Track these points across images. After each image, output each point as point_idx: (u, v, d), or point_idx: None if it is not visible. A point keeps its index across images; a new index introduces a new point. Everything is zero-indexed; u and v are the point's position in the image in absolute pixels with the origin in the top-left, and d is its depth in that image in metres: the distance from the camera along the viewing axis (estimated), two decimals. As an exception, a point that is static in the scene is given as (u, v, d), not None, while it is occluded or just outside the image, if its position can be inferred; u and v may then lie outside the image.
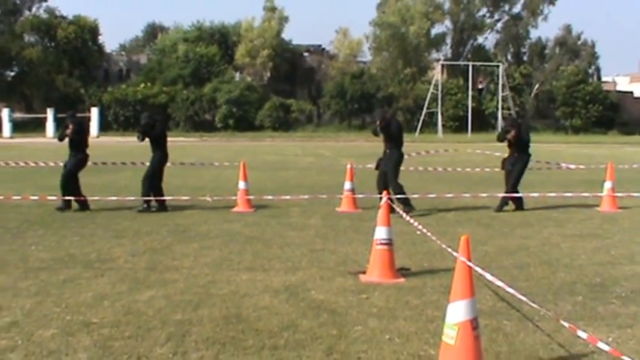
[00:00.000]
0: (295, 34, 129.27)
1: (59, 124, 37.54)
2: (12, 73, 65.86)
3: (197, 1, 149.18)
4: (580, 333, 3.60)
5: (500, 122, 56.18)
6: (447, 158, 25.21)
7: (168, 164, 11.48)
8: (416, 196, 10.97)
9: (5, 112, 53.91)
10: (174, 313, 5.13)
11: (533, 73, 65.61)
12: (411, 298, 5.59)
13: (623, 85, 79.93)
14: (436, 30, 67.83)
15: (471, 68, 59.78)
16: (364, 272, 6.36)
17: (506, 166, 11.39)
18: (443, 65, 63.37)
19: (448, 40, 69.43)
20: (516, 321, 4.97)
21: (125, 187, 13.09)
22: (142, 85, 62.48)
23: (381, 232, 6.23)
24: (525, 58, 69.13)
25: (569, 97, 61.67)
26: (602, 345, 3.45)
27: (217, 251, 7.56)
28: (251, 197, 11.24)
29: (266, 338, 4.55)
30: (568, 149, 35.82)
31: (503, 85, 59.80)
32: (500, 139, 11.57)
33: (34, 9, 68.90)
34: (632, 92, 72.06)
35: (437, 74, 61.22)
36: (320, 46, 72.85)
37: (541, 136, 47.80)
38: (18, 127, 54.92)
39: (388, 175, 10.58)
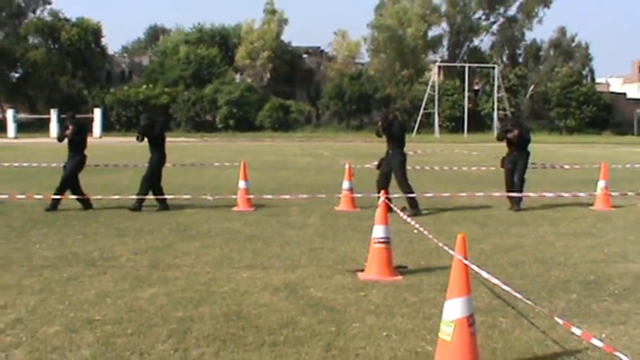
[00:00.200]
0: (295, 37, 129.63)
1: (62, 124, 37.87)
2: (16, 75, 66.50)
3: (198, 4, 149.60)
4: (574, 330, 3.63)
5: (495, 123, 56.55)
6: (443, 158, 25.27)
7: (168, 164, 11.55)
8: (412, 195, 11.04)
9: (10, 112, 54.25)
10: (176, 310, 5.17)
11: (528, 74, 65.96)
12: (408, 295, 5.64)
13: (616, 86, 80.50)
14: (433, 32, 68.48)
15: (467, 70, 60.04)
16: (362, 270, 6.41)
17: (505, 164, 11.50)
18: (439, 67, 63.57)
19: (445, 42, 69.91)
20: (512, 318, 5.02)
21: (127, 187, 13.15)
22: (144, 86, 62.74)
23: (378, 231, 6.29)
24: (520, 59, 69.57)
25: (563, 98, 62.02)
26: (595, 341, 3.47)
27: (218, 249, 7.62)
28: (251, 196, 11.31)
29: (266, 335, 4.59)
30: (562, 149, 35.94)
31: (498, 86, 60.08)
32: (500, 138, 11.68)
33: (38, 11, 69.62)
34: (625, 93, 72.54)
35: (434, 75, 61.44)
36: (319, 48, 73.09)
37: (536, 136, 47.56)
38: (22, 127, 55.39)
39: (397, 179, 10.64)
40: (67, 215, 10.31)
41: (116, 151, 28.60)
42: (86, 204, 10.94)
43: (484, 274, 4.20)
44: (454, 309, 3.81)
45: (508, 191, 11.28)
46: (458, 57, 68.17)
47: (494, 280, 4.18)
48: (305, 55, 71.57)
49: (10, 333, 4.63)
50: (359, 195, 11.23)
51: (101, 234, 8.64)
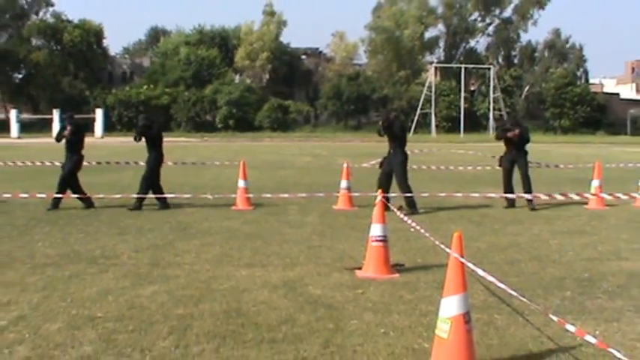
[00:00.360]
0: (293, 38, 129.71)
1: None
2: (19, 76, 66.78)
3: (198, 6, 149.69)
4: (568, 326, 3.65)
5: (491, 123, 56.89)
6: (439, 157, 25.30)
7: (169, 163, 11.60)
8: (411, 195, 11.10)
9: (13, 113, 54.38)
10: (176, 307, 5.22)
11: (524, 75, 66.19)
12: (405, 293, 5.69)
13: (609, 87, 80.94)
14: (429, 34, 68.76)
15: (463, 71, 60.25)
16: (360, 268, 6.46)
17: (503, 163, 11.59)
18: (436, 68, 63.76)
19: (441, 44, 70.23)
20: (507, 315, 5.07)
21: (128, 186, 13.18)
22: (145, 86, 62.90)
23: (376, 230, 6.35)
24: (516, 60, 69.86)
25: (558, 99, 62.27)
26: (589, 338, 3.51)
27: (218, 248, 7.67)
28: (250, 195, 11.36)
29: (265, 332, 4.63)
30: (557, 149, 36.00)
31: (494, 87, 60.30)
32: (500, 137, 11.78)
33: (41, 13, 69.78)
34: (618, 94, 72.88)
35: (430, 76, 61.67)
36: (317, 49, 73.19)
37: (531, 136, 47.94)
38: (25, 127, 55.59)
39: (397, 180, 10.69)
40: (69, 214, 10.37)
41: (117, 151, 28.60)
42: (88, 203, 11.01)
43: (480, 272, 4.22)
44: (450, 306, 3.84)
45: (506, 190, 11.35)
46: (454, 58, 68.37)
47: (490, 278, 4.20)
48: (303, 56, 71.66)
49: (13, 330, 4.67)
50: (357, 194, 11.27)
51: (103, 232, 8.70)
